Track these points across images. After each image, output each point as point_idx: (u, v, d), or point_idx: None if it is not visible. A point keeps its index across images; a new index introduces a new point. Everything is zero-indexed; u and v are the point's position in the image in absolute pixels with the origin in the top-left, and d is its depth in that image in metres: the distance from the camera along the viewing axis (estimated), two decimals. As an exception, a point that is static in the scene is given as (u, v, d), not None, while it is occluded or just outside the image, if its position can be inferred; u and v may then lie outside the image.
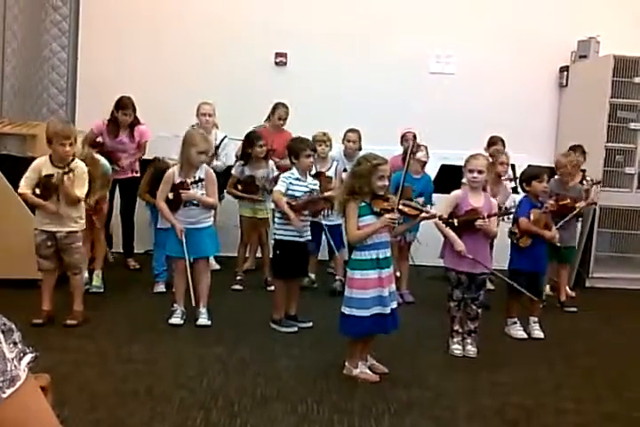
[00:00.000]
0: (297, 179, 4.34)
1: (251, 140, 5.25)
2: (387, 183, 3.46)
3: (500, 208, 4.26)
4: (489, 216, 3.96)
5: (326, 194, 4.46)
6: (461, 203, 4.01)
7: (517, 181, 4.97)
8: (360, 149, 5.70)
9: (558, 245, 4.73)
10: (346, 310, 3.46)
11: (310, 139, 4.77)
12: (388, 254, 3.52)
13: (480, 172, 3.99)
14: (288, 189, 4.30)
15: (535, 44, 6.94)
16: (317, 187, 4.46)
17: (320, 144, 5.30)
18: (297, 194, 4.32)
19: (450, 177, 5.36)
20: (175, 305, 4.40)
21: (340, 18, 6.90)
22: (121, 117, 5.43)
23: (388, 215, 3.37)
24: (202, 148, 4.28)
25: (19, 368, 0.70)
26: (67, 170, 4.04)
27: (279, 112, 5.85)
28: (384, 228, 3.41)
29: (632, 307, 5.61)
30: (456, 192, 4.13)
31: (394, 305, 3.52)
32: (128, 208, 5.72)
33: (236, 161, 5.40)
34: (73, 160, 4.14)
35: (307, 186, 4.37)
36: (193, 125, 5.63)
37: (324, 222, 5.01)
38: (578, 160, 5.40)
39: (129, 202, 5.67)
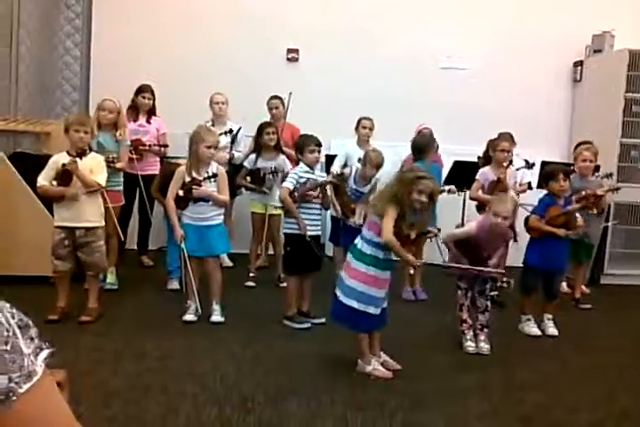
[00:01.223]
0: (306, 171, 4.36)
1: (260, 128, 5.31)
2: (424, 200, 3.38)
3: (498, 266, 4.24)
4: (487, 273, 3.98)
5: (321, 180, 4.40)
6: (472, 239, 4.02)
7: (536, 177, 4.94)
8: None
9: (581, 238, 4.69)
10: (338, 293, 3.50)
11: (315, 135, 4.58)
12: (389, 257, 3.51)
13: (506, 218, 3.94)
14: (298, 183, 4.30)
15: (549, 38, 6.89)
16: (324, 179, 4.45)
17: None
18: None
19: (463, 173, 5.35)
20: (189, 302, 4.41)
21: (351, 14, 6.89)
22: (140, 101, 5.64)
23: (416, 263, 3.59)
24: (210, 142, 4.30)
25: (35, 364, 0.70)
26: (78, 153, 4.12)
27: (269, 104, 5.96)
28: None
29: (647, 304, 5.57)
30: (472, 227, 4.09)
31: (384, 305, 3.55)
32: (146, 207, 5.74)
33: (250, 153, 5.43)
34: (89, 152, 4.21)
35: (315, 178, 4.38)
36: (207, 121, 5.67)
37: (349, 223, 5.06)
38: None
39: (148, 199, 5.69)
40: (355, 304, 3.45)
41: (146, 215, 5.80)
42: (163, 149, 5.63)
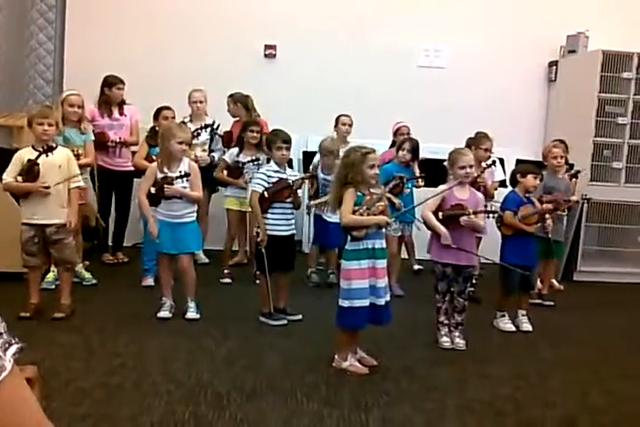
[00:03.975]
0: (276, 171, 4.32)
1: (245, 125, 5.29)
2: (377, 172, 3.49)
3: (485, 206, 4.28)
4: (474, 213, 3.97)
5: (292, 178, 4.36)
6: (448, 197, 4.02)
7: (510, 173, 4.97)
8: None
9: (549, 237, 4.75)
10: (345, 303, 3.46)
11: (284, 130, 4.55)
12: (384, 245, 3.54)
13: (471, 166, 4.04)
14: (268, 183, 4.26)
15: (524, 38, 6.96)
16: (296, 178, 4.41)
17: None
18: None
19: (431, 171, 5.34)
20: (163, 298, 4.38)
21: (329, 10, 6.89)
22: (115, 93, 5.53)
23: (387, 219, 3.47)
24: (181, 137, 4.24)
25: (4, 359, 0.68)
26: (45, 148, 4.02)
27: None
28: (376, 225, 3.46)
29: (619, 300, 5.66)
30: (442, 186, 4.14)
31: (387, 298, 3.54)
32: (124, 202, 5.68)
33: (233, 147, 5.40)
34: (56, 147, 4.12)
35: (287, 177, 4.34)
36: (185, 117, 5.63)
37: (325, 217, 5.08)
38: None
39: (124, 196, 5.63)
40: (345, 303, 3.46)
41: (124, 212, 5.72)
42: (121, 144, 5.47)
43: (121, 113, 5.59)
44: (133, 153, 5.53)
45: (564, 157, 5.22)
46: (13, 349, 0.71)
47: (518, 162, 5.74)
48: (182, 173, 4.24)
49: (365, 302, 3.43)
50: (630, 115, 6.36)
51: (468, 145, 5.25)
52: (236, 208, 5.37)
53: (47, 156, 4.04)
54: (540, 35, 6.98)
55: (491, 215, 4.27)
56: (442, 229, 3.95)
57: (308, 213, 5.66)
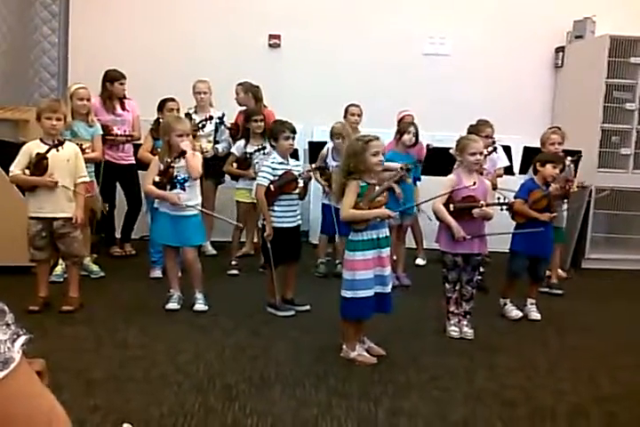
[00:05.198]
0: (280, 163, 4.30)
1: (248, 115, 5.27)
2: (381, 159, 3.45)
3: (499, 198, 4.24)
4: (487, 205, 3.95)
5: (296, 169, 4.36)
6: (457, 186, 4.00)
7: (524, 161, 4.92)
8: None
9: (555, 225, 4.73)
10: (348, 294, 3.45)
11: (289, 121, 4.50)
12: (388, 234, 3.54)
13: (482, 153, 4.04)
14: (273, 176, 4.25)
15: (530, 24, 6.90)
16: (300, 169, 4.41)
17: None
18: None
19: (437, 159, 5.32)
20: (171, 290, 4.39)
21: (333, -1, 6.84)
22: (118, 88, 5.48)
23: (388, 212, 3.44)
24: (180, 130, 4.22)
25: (12, 350, 0.68)
26: (56, 143, 4.02)
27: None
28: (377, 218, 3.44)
29: (627, 288, 5.64)
30: (450, 177, 4.12)
31: (385, 290, 3.52)
32: (134, 194, 5.66)
33: (239, 139, 5.38)
34: (63, 142, 4.12)
35: (291, 169, 4.32)
36: (190, 108, 5.61)
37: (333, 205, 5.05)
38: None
39: (133, 188, 5.62)
40: (348, 294, 3.45)
41: (137, 204, 5.71)
42: (129, 138, 5.50)
43: (123, 108, 5.56)
44: (135, 146, 5.52)
45: (562, 144, 5.17)
46: (22, 340, 0.70)
47: (525, 149, 5.71)
48: (181, 152, 4.20)
49: (370, 293, 3.43)
50: (638, 100, 6.30)
51: (469, 132, 5.22)
52: (248, 200, 5.33)
53: (57, 150, 4.05)
54: (547, 20, 6.91)
55: (504, 207, 4.24)
56: (453, 223, 3.93)
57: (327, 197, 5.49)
